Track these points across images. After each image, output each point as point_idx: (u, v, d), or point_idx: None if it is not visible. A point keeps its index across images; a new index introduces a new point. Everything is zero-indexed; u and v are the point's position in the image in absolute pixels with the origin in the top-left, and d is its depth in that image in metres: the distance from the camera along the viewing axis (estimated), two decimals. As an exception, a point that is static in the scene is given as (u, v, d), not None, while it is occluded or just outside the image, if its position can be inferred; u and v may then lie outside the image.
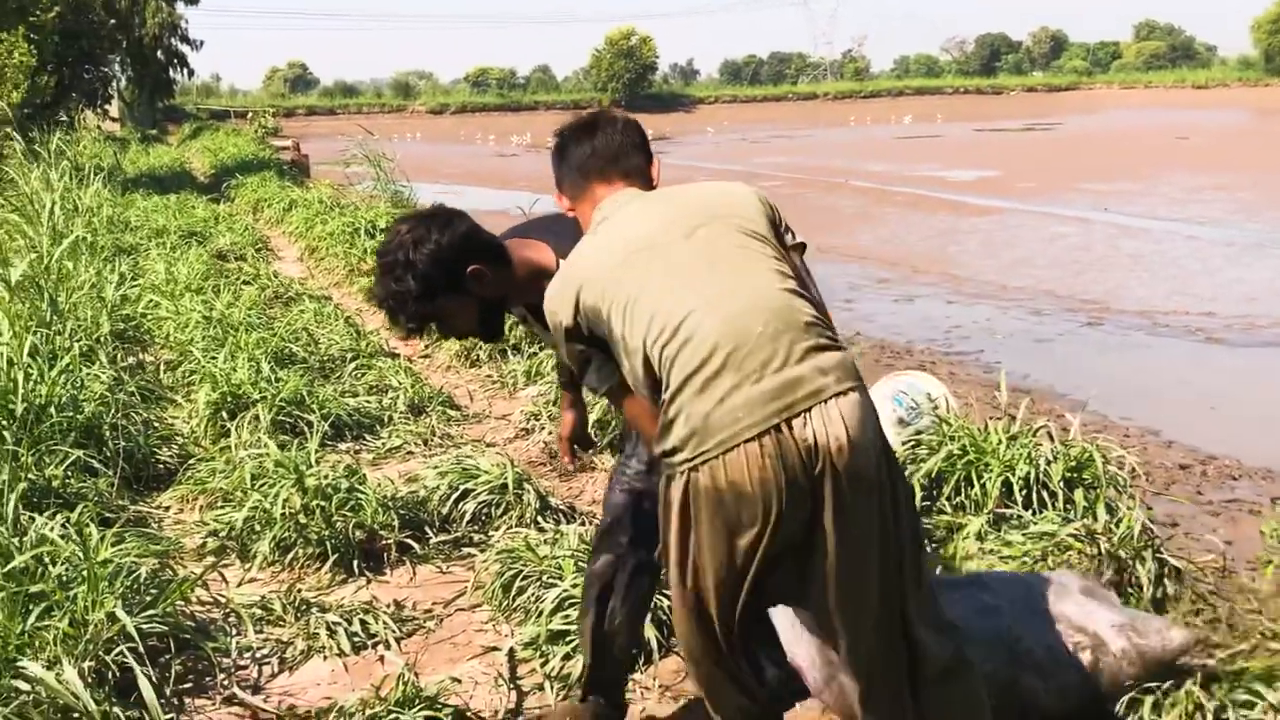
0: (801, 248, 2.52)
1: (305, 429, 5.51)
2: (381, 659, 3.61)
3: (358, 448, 5.72)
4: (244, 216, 15.45)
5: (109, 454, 4.98)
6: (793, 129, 54.14)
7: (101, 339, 6.66)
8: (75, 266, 7.97)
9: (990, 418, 4.68)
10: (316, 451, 4.89)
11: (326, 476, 4.53)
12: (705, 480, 2.23)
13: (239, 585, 4.10)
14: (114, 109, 40.22)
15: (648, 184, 2.62)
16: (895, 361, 8.44)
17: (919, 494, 4.06)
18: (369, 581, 4.20)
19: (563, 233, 2.74)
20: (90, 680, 3.05)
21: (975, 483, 4.09)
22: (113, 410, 5.39)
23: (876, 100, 74.46)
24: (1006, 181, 23.72)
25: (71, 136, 18.56)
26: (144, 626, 3.25)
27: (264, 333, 7.09)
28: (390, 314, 2.66)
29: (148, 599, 3.54)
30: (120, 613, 3.21)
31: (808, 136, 47.26)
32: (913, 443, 4.38)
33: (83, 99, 29.02)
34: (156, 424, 5.77)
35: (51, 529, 3.83)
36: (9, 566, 3.37)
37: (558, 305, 2.44)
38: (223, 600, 3.91)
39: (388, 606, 3.93)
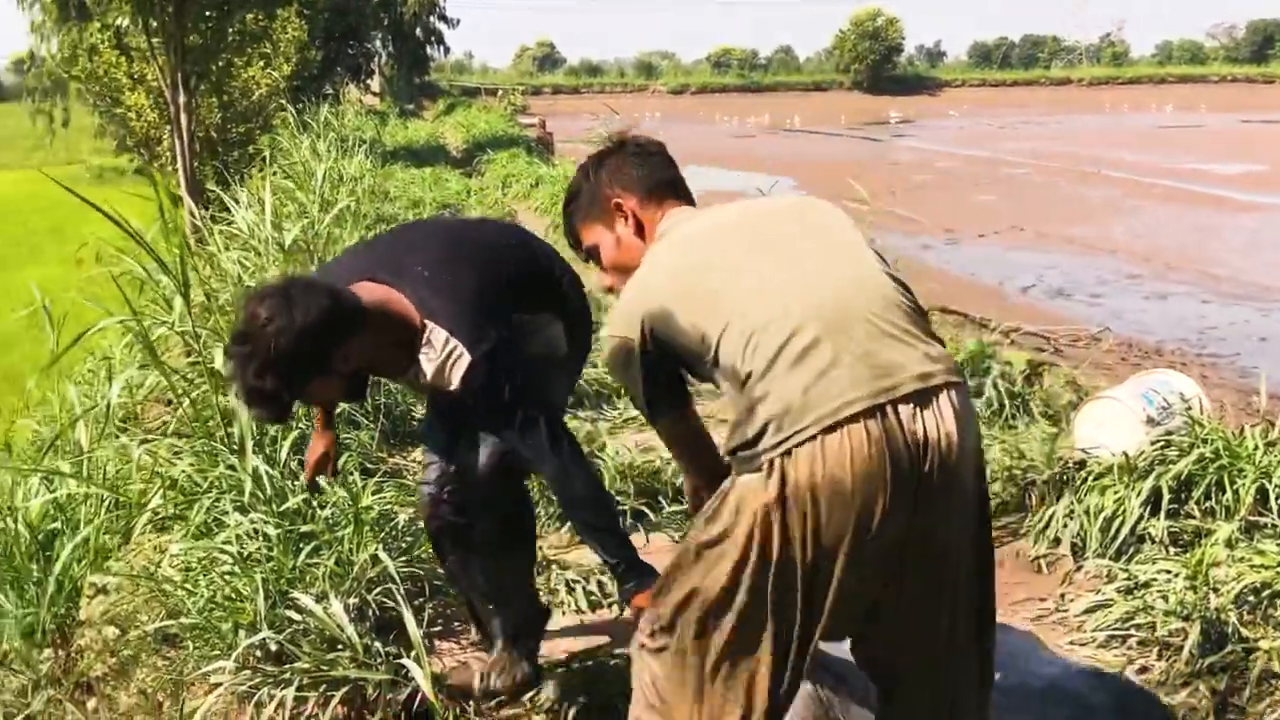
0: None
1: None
2: (617, 618, 3.77)
3: (596, 416, 5.91)
4: (493, 191, 16.06)
5: (369, 409, 5.32)
6: (1044, 115, 52.15)
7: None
8: (340, 232, 8.49)
9: (1246, 423, 4.48)
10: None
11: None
12: (802, 471, 1.93)
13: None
14: (375, 84, 42.31)
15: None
16: (1143, 361, 8.11)
17: (1166, 496, 3.94)
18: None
19: (404, 271, 2.63)
20: (353, 615, 3.31)
21: (1227, 488, 3.93)
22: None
23: (1135, 87, 70.74)
24: (1275, 177, 22.24)
25: (336, 109, 19.66)
26: (402, 570, 3.49)
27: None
28: (248, 405, 2.47)
29: (404, 545, 3.81)
30: (382, 555, 3.46)
31: (1059, 123, 45.44)
32: (1162, 443, 4.23)
33: (347, 73, 30.73)
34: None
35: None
36: (284, 507, 3.67)
37: (624, 329, 2.25)
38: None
39: (622, 570, 4.09)
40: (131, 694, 3.23)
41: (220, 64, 15.07)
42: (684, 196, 2.46)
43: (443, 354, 2.58)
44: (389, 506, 4.02)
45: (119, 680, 3.31)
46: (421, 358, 2.62)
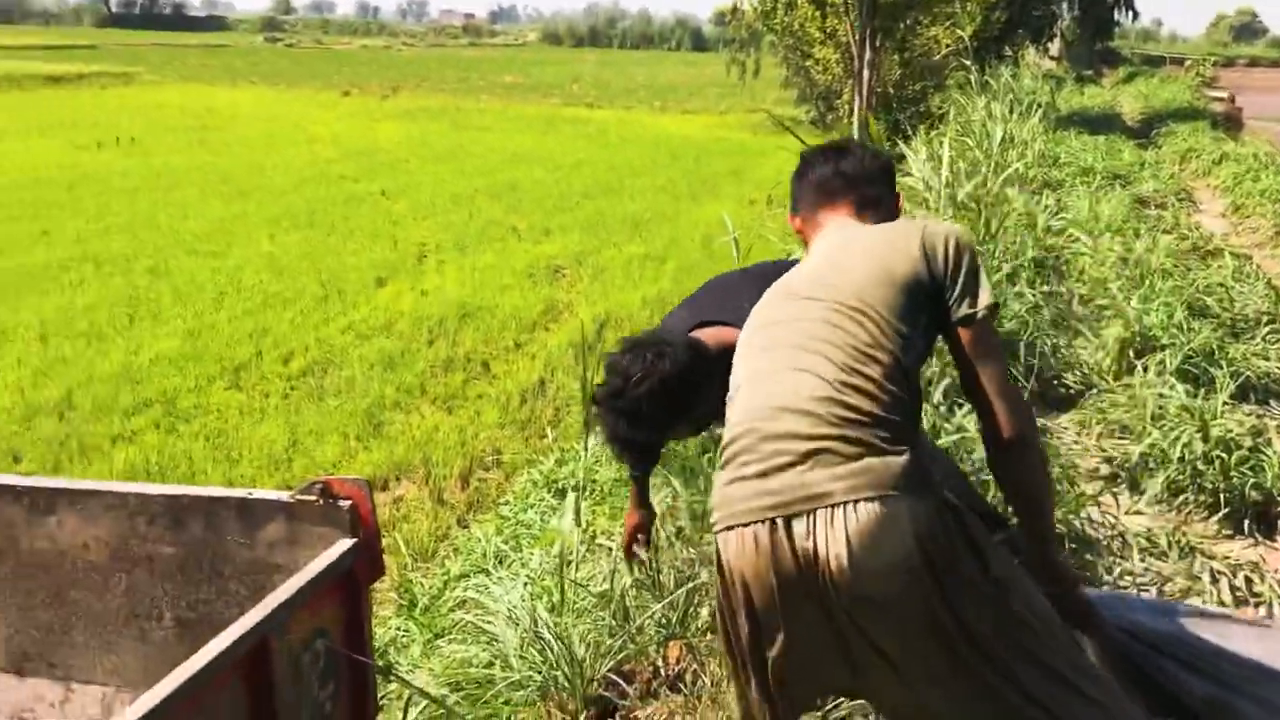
0: (970, 320, 2.22)
1: (1209, 382, 5.44)
2: (1272, 615, 3.56)
3: (1262, 411, 5.51)
4: (1169, 165, 15.11)
5: (1020, 370, 5.39)
6: None
7: (1025, 264, 7.10)
8: (1009, 194, 8.53)
9: None
10: (1223, 405, 4.83)
11: (1231, 431, 4.48)
12: (723, 549, 2.14)
13: (1125, 514, 4.26)
14: (1054, 48, 41.09)
15: (883, 216, 2.50)
16: None
17: None
18: (1257, 543, 4.12)
19: (731, 309, 2.62)
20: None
21: None
22: (1028, 330, 5.79)
23: None
24: None
25: (1014, 72, 19.47)
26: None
27: (1179, 281, 7.04)
28: (623, 458, 2.77)
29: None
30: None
31: None
32: None
33: (1028, 35, 30.15)
34: (1064, 351, 6.08)
35: (969, 421, 4.30)
36: (941, 441, 3.86)
37: None
38: (1110, 523, 4.11)
39: (1275, 572, 3.85)
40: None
41: (907, 22, 15.54)
42: (840, 197, 2.51)
43: None
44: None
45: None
46: None
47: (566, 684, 3.18)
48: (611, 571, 3.58)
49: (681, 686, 3.24)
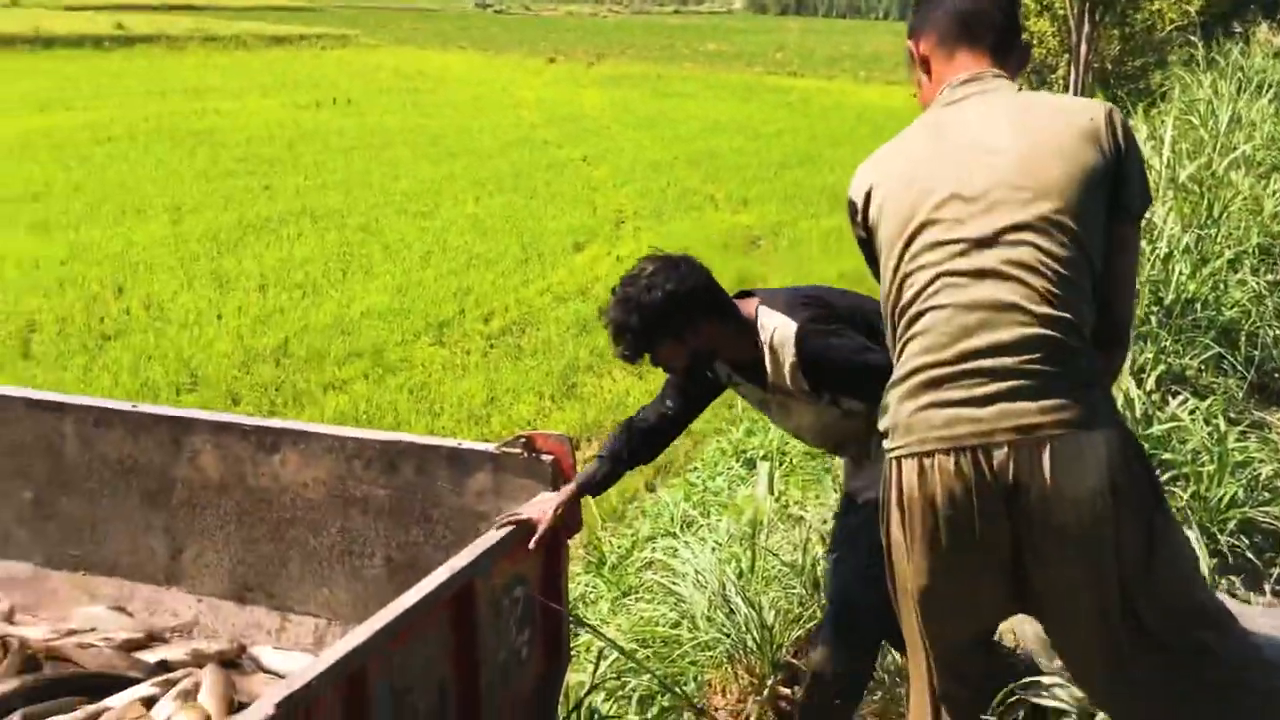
0: (1128, 214, 2.14)
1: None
2: None
3: None
4: None
5: (1239, 358, 5.14)
6: None
7: (1249, 250, 6.74)
8: (1234, 177, 8.09)
9: None
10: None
11: None
12: (907, 476, 2.11)
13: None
14: (1289, 23, 38.63)
15: (1015, 67, 2.33)
16: None
17: None
18: None
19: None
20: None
21: None
22: (1250, 320, 5.51)
23: None
24: None
25: (1244, 49, 18.38)
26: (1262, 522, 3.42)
27: None
28: (612, 338, 2.82)
29: (1264, 496, 3.70)
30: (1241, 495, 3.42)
31: None
32: None
33: (1260, 11, 28.43)
34: (1290, 342, 5.76)
35: (1183, 410, 4.15)
36: (1147, 432, 3.74)
37: (851, 193, 2.40)
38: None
39: None
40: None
41: (1129, -3, 14.86)
42: (981, 40, 2.30)
43: (770, 332, 2.79)
44: (1252, 457, 3.91)
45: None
46: (763, 336, 2.81)
47: (755, 649, 3.22)
48: (804, 540, 3.59)
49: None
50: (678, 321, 2.76)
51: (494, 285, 10.07)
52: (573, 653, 3.52)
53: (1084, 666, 2.22)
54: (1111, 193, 2.13)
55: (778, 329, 2.79)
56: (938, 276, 2.12)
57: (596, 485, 3.03)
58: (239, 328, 8.76)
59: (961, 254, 2.10)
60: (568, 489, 2.98)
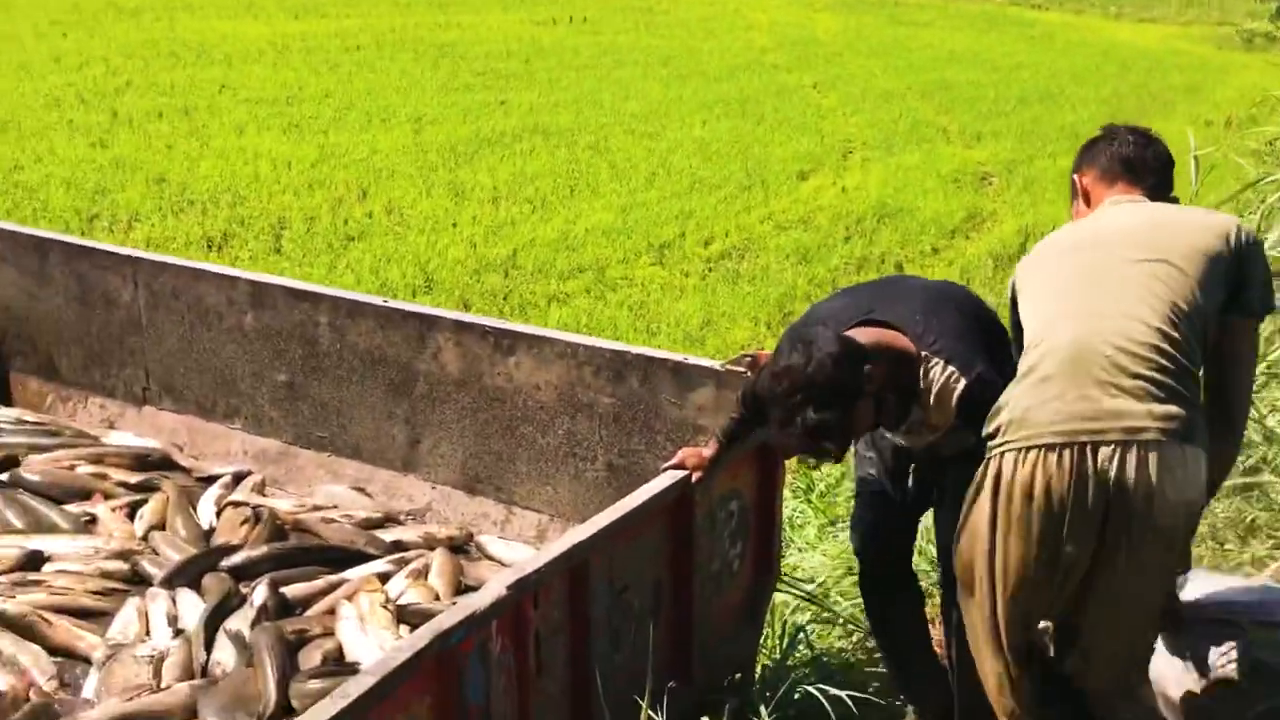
0: (1247, 318, 2.42)
1: None
2: None
3: None
4: None
5: None
6: None
7: None
8: None
9: None
10: None
11: None
12: (1007, 468, 2.34)
13: None
14: None
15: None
16: None
17: None
18: None
19: (898, 303, 2.82)
20: None
21: None
22: None
23: None
24: None
25: None
26: None
27: None
28: (817, 449, 2.65)
29: None
30: None
31: None
32: None
33: None
34: None
35: None
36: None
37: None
38: None
39: None
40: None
41: None
42: (1140, 181, 2.66)
43: (941, 379, 2.70)
44: None
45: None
46: (925, 383, 2.74)
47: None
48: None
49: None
50: (856, 379, 2.60)
51: (715, 210, 10.11)
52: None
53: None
54: (1232, 290, 2.44)
55: (946, 382, 2.70)
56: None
57: (739, 439, 2.97)
58: (472, 236, 9.10)
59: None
60: (714, 443, 2.95)
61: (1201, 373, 2.44)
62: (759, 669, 3.37)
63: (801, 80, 17.10)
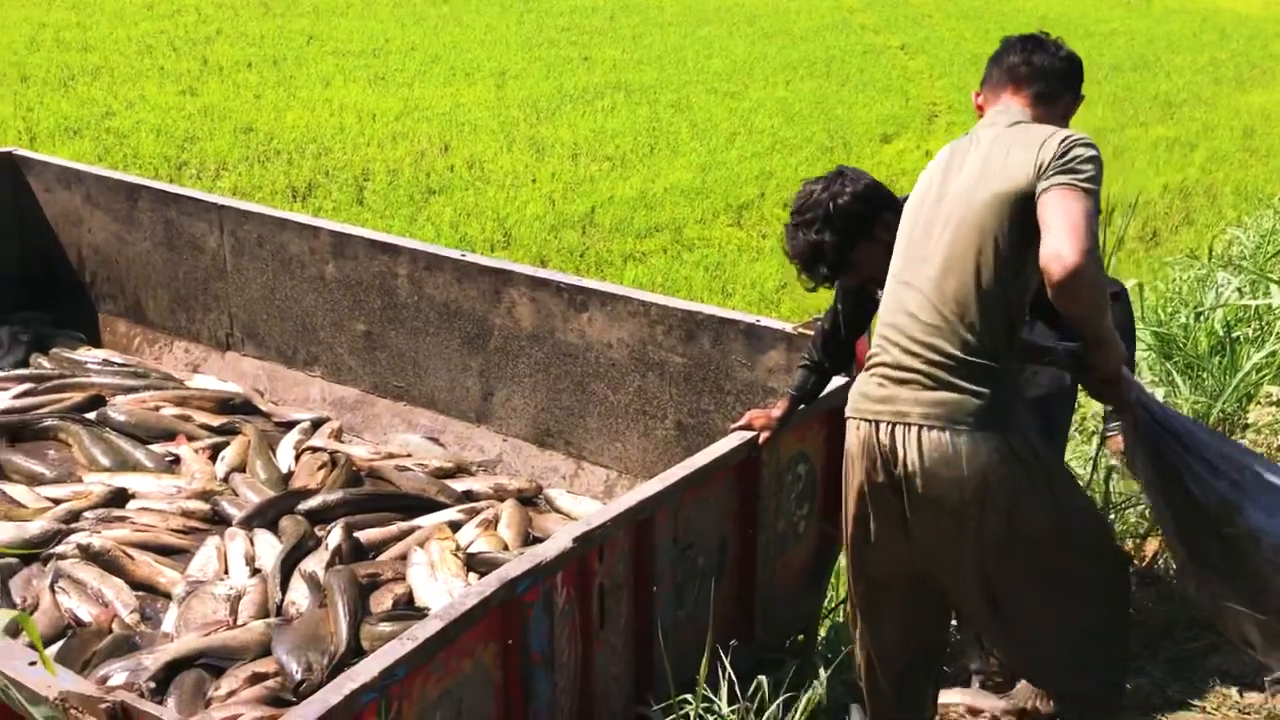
0: (1057, 186, 2.33)
1: None
2: None
3: None
4: None
5: None
6: None
7: None
8: None
9: None
10: None
11: None
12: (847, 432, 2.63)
13: None
14: None
15: (1056, 113, 2.62)
16: None
17: None
18: None
19: None
20: None
21: None
22: None
23: None
24: None
25: None
26: None
27: None
28: (808, 266, 2.83)
29: None
30: None
31: None
32: None
33: None
34: None
35: None
36: None
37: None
38: None
39: None
40: None
41: None
42: (1026, 87, 2.62)
43: None
44: None
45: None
46: None
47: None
48: (1093, 456, 3.52)
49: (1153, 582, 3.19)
50: (868, 218, 2.79)
51: (796, 171, 10.02)
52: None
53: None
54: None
55: None
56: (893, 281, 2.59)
57: (809, 394, 3.02)
58: (551, 193, 9.13)
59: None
60: (784, 400, 3.00)
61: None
62: (821, 631, 3.39)
63: (889, 42, 16.85)
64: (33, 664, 1.98)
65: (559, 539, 2.42)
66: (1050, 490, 2.52)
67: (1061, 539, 2.56)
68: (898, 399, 2.48)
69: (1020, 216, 2.38)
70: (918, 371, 2.46)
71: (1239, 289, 5.05)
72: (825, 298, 3.06)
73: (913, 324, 2.48)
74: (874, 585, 2.71)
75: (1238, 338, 4.41)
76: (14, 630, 2.21)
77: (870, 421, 2.53)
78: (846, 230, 2.78)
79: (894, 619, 2.73)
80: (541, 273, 3.96)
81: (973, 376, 2.43)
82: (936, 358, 2.45)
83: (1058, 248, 2.26)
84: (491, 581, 2.26)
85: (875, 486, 2.55)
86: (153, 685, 2.82)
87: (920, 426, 2.45)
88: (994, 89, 2.71)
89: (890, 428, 2.49)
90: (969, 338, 2.43)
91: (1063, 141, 2.39)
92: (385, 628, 2.93)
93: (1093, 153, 2.39)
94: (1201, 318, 4.58)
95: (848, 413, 2.61)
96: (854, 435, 2.58)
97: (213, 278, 4.68)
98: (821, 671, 2.77)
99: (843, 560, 3.60)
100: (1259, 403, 4.07)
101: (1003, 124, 2.57)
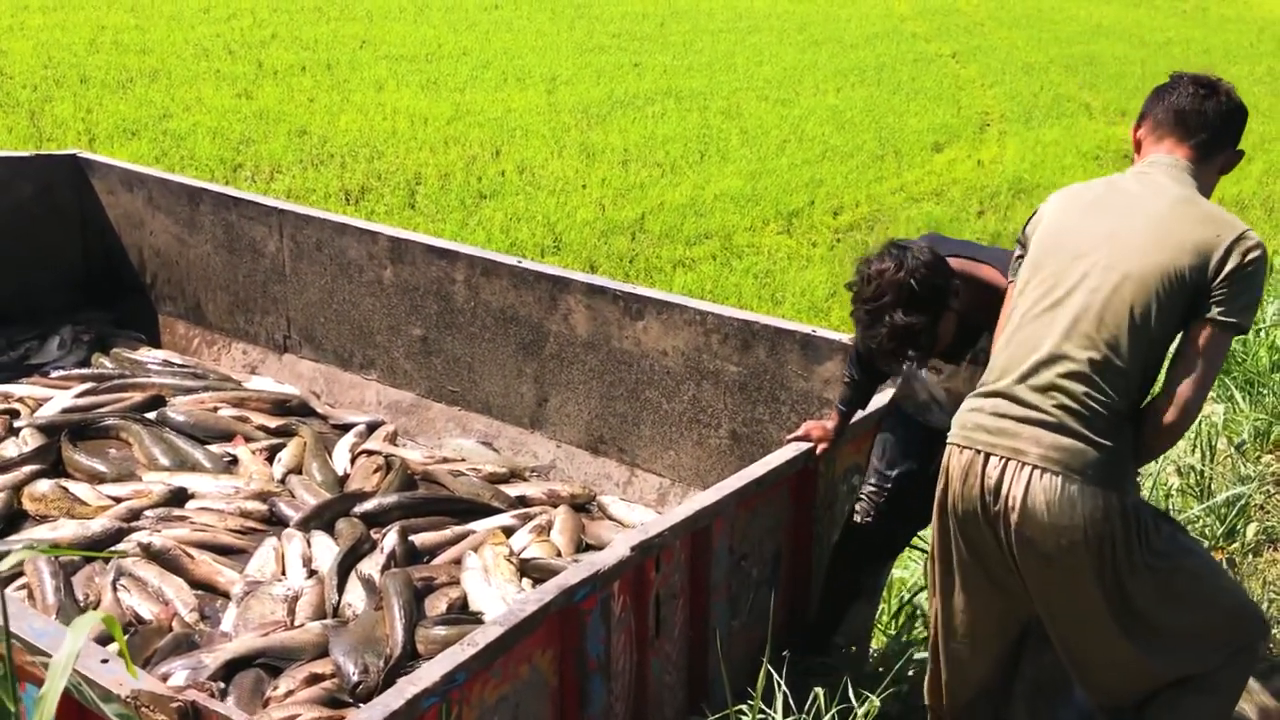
0: (1219, 325, 2.32)
1: None
2: None
3: None
4: None
5: None
6: None
7: None
8: None
9: None
10: None
11: None
12: (948, 457, 2.53)
13: None
14: None
15: (1207, 166, 2.54)
16: None
17: None
18: None
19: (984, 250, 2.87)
20: None
21: None
22: None
23: None
24: None
25: None
26: None
27: None
28: (898, 351, 2.69)
29: None
30: None
31: None
32: None
33: None
34: None
35: None
36: None
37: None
38: None
39: None
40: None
41: None
42: (1190, 136, 2.52)
43: None
44: None
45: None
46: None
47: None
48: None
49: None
50: (946, 290, 2.69)
51: (846, 179, 10.01)
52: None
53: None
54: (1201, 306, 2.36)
55: None
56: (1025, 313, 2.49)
57: (857, 405, 2.99)
58: (601, 199, 9.17)
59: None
60: (835, 414, 2.98)
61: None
62: (874, 643, 3.38)
63: (940, 50, 16.76)
64: (104, 661, 2.02)
65: (617, 547, 2.43)
66: (1146, 564, 2.44)
67: (1160, 592, 2.48)
68: (1019, 435, 2.41)
69: (1185, 305, 2.37)
70: (1045, 412, 2.40)
71: (1300, 304, 4.99)
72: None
73: (1048, 361, 2.41)
74: (951, 603, 2.66)
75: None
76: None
77: (979, 452, 2.45)
78: (932, 307, 2.68)
79: (975, 642, 2.67)
80: (598, 280, 3.98)
81: (1102, 429, 2.37)
82: (1069, 402, 2.38)
83: (1187, 399, 2.34)
84: (550, 589, 2.27)
85: (968, 515, 2.49)
86: (222, 686, 2.86)
87: (1035, 468, 2.38)
88: (1157, 131, 2.61)
89: (1003, 462, 2.42)
90: (1108, 388, 2.37)
91: (1246, 254, 2.36)
92: (440, 631, 2.95)
93: (1263, 272, 2.40)
94: (1262, 333, 4.53)
95: (953, 438, 2.52)
96: (956, 460, 2.50)
97: (272, 281, 4.75)
98: (874, 685, 2.76)
99: (898, 573, 3.60)
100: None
101: (1169, 181, 2.51)
